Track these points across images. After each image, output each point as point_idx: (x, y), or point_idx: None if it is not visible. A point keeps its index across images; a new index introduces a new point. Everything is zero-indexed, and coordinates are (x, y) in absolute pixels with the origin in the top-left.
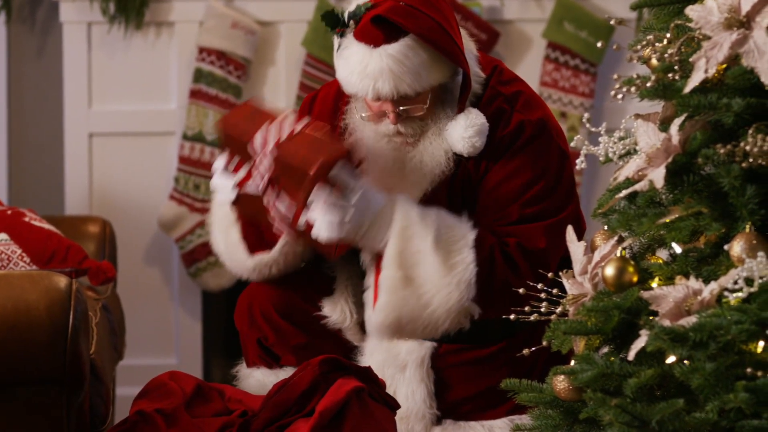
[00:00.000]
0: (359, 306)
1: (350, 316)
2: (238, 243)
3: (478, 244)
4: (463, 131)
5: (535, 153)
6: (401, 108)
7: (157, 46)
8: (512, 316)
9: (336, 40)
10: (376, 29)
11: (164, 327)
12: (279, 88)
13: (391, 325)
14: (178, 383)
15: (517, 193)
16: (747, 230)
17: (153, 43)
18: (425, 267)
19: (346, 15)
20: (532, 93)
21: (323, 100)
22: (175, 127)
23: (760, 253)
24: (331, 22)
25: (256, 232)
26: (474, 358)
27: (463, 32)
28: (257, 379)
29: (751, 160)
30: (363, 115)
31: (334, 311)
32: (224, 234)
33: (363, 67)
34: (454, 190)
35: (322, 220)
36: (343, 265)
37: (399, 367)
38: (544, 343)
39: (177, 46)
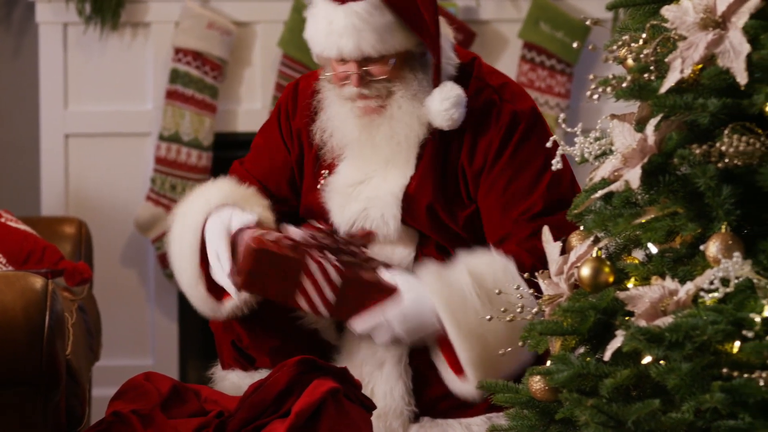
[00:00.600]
0: None
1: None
2: (206, 297)
3: (519, 266)
4: (439, 104)
5: (535, 143)
6: (364, 69)
7: (133, 47)
8: (488, 317)
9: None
10: None
11: (140, 328)
12: (255, 89)
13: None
14: (154, 384)
15: (531, 184)
16: (723, 230)
17: (129, 44)
18: (488, 324)
19: None
20: (516, 83)
21: (303, 92)
22: (151, 127)
23: (736, 254)
24: None
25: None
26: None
27: (441, 20)
28: (232, 382)
29: (726, 160)
30: (327, 74)
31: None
32: (192, 289)
33: (328, 24)
34: (447, 173)
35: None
36: None
37: (377, 364)
38: (520, 343)
39: (153, 46)
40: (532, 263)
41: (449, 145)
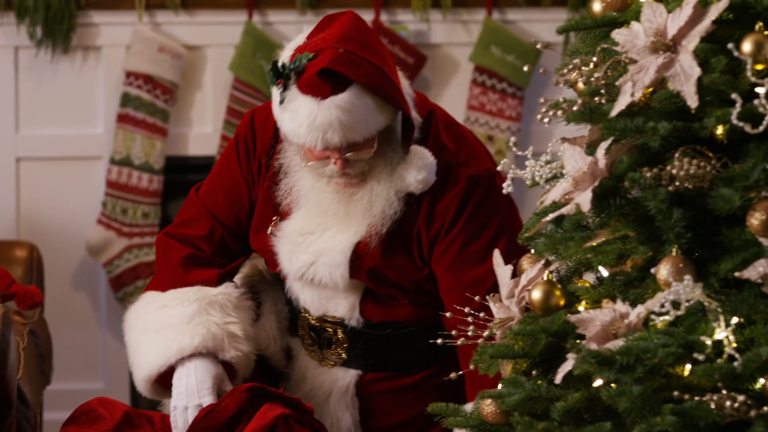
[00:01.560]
0: (283, 332)
1: (274, 342)
2: (152, 389)
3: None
4: (417, 173)
5: (490, 209)
6: (348, 154)
7: (85, 71)
8: (439, 341)
9: (276, 92)
10: (323, 81)
11: (92, 352)
12: (206, 112)
13: (432, 406)
14: (107, 409)
15: (483, 254)
16: (674, 253)
17: (80, 67)
18: None
19: (286, 66)
20: (472, 138)
21: (262, 126)
22: (102, 151)
23: (687, 277)
24: (279, 74)
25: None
26: (400, 386)
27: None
28: None
29: (677, 183)
30: (307, 163)
31: (259, 337)
32: (140, 380)
33: (312, 120)
34: (404, 233)
35: None
36: (268, 291)
37: (324, 395)
38: (471, 367)
39: (104, 70)
40: None
41: (407, 208)
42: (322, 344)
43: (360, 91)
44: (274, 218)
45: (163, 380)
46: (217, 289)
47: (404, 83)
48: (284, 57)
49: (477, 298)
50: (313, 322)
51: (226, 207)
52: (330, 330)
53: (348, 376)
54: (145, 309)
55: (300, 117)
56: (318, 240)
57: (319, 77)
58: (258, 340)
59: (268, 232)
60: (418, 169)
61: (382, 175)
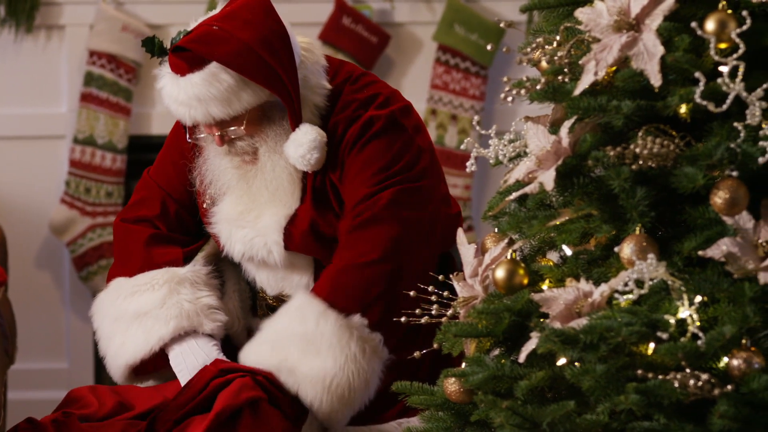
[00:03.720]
0: (246, 311)
1: (238, 321)
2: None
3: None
4: (294, 150)
5: (385, 143)
6: (225, 130)
7: (48, 50)
8: (403, 319)
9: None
10: (179, 59)
11: (56, 331)
12: None
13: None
14: (99, 399)
15: (370, 180)
16: (637, 232)
17: (44, 47)
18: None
19: (155, 42)
20: (392, 92)
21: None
22: (65, 130)
23: (650, 255)
24: (150, 49)
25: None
26: None
27: (310, 42)
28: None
29: (641, 162)
30: (200, 136)
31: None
32: (114, 365)
33: (175, 96)
34: (321, 201)
35: None
36: (230, 270)
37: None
38: (435, 345)
39: (67, 49)
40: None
41: (326, 168)
42: None
43: (218, 70)
44: (206, 200)
45: (140, 367)
46: (185, 268)
47: (314, 56)
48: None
49: (403, 319)
50: (270, 301)
51: (178, 182)
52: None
53: None
54: (114, 297)
55: (167, 93)
56: (251, 215)
57: (174, 55)
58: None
59: (207, 217)
60: (297, 145)
61: (267, 155)
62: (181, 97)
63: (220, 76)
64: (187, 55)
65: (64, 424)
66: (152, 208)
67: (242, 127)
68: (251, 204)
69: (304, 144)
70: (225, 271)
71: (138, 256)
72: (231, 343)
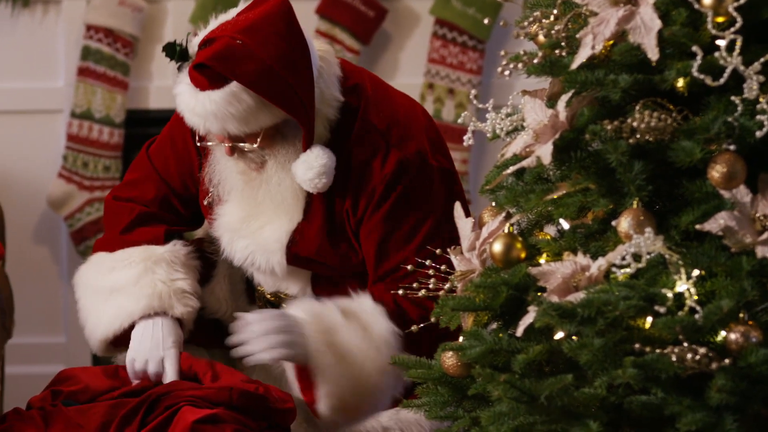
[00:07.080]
0: (237, 295)
1: (225, 304)
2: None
3: (380, 301)
4: (303, 174)
5: (418, 193)
6: (234, 143)
7: (45, 24)
8: (400, 292)
9: (176, 71)
10: (201, 75)
11: (53, 305)
12: (167, 66)
13: (337, 405)
14: (90, 378)
15: (407, 238)
16: (634, 206)
17: (40, 21)
18: (347, 341)
19: (177, 49)
20: (405, 113)
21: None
22: (63, 104)
23: (648, 229)
24: (171, 53)
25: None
26: None
27: (327, 50)
28: None
29: (638, 136)
30: (209, 144)
31: (209, 300)
32: (93, 339)
33: (192, 107)
34: (335, 218)
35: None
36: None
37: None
38: (433, 319)
39: (64, 23)
40: (393, 309)
41: (334, 191)
42: None
43: (238, 90)
44: (209, 197)
45: (117, 341)
46: (164, 247)
47: (331, 63)
48: (210, 29)
49: (400, 291)
50: (268, 296)
51: (176, 171)
52: (285, 305)
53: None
54: (94, 270)
55: (184, 101)
56: (254, 228)
57: (196, 70)
58: (209, 304)
59: (208, 218)
60: (307, 168)
61: (274, 170)
62: (198, 109)
63: (241, 96)
64: (208, 71)
65: (50, 413)
66: (146, 192)
67: (256, 144)
68: (253, 210)
69: (314, 168)
70: (218, 253)
71: (121, 232)
72: (221, 326)
